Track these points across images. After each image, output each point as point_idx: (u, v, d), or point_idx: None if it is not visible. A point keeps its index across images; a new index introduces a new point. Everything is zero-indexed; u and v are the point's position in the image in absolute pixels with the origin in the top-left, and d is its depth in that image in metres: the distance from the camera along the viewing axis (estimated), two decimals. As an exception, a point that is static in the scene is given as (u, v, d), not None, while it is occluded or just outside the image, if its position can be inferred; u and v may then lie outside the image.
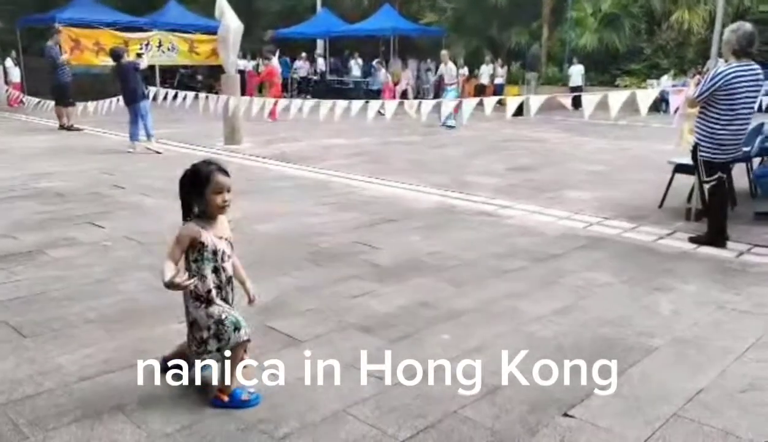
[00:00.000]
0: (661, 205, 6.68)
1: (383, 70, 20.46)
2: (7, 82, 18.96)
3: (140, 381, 2.93)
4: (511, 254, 5.06)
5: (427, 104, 7.76)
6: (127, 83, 10.48)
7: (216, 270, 2.75)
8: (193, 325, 2.75)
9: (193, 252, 2.70)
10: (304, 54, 25.32)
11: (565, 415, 2.71)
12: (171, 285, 2.58)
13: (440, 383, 2.97)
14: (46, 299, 3.92)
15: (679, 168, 6.50)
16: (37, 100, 13.28)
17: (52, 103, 13.31)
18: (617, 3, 21.88)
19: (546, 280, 4.47)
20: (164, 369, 2.98)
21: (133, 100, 10.44)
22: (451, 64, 16.72)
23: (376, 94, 20.27)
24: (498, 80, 21.36)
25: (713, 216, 5.48)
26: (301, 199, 7.02)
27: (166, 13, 22.76)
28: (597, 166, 9.48)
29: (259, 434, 2.55)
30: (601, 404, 2.81)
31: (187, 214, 2.75)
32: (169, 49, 21.69)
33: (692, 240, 5.48)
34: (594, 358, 3.24)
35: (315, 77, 25.12)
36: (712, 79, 5.09)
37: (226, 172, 2.74)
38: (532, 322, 3.72)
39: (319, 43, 26.31)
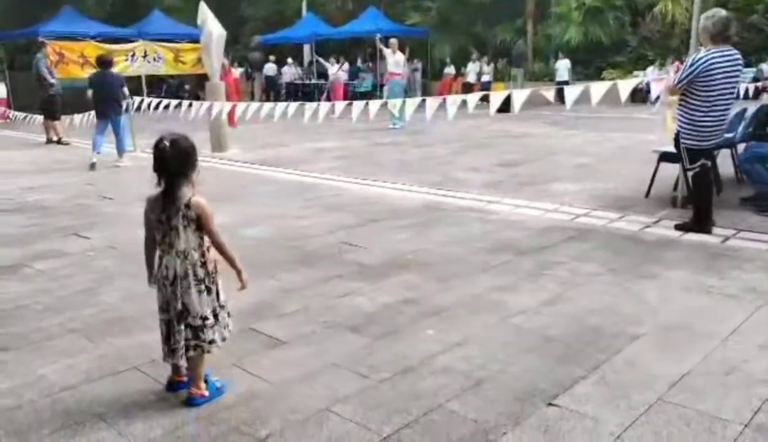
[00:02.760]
0: (647, 195, 6.69)
1: (336, 66, 20.12)
2: (-8, 99, 18.87)
3: (123, 389, 2.92)
4: (498, 249, 5.05)
5: (412, 103, 7.77)
6: (112, 94, 10.16)
7: None
8: (182, 314, 2.71)
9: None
10: (290, 59, 25.30)
11: (550, 404, 2.70)
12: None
13: (425, 377, 2.96)
14: (29, 312, 3.89)
15: (664, 157, 6.51)
16: (23, 115, 13.23)
17: (40, 117, 13.26)
18: (600, -4, 21.97)
19: (532, 272, 4.46)
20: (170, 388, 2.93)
21: (117, 113, 10.17)
22: (399, 55, 15.16)
23: (363, 96, 20.29)
24: (485, 78, 21.38)
25: (698, 203, 5.49)
26: (289, 202, 7.01)
27: (150, 22, 22.68)
28: (583, 158, 9.49)
29: (241, 435, 2.53)
30: (585, 392, 2.80)
31: (177, 190, 2.71)
32: (154, 60, 21.60)
33: (678, 227, 5.49)
34: (579, 347, 3.25)
35: (305, 81, 25.13)
36: (691, 66, 5.10)
37: None
38: (518, 314, 3.71)
39: (306, 47, 26.30)
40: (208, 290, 2.78)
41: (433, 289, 4.18)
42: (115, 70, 20.97)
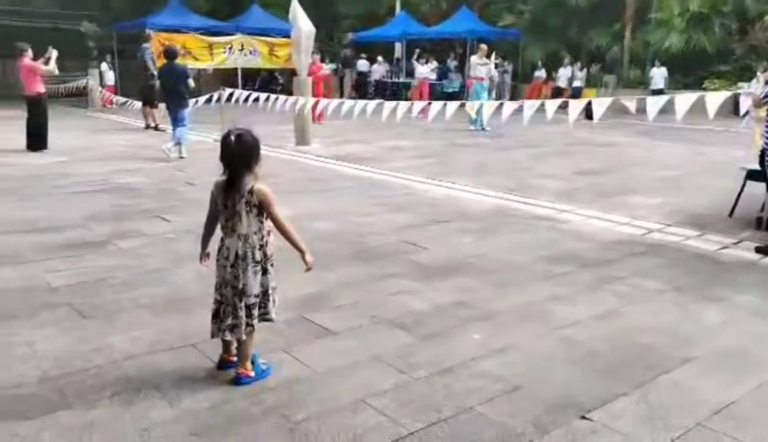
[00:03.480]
0: (731, 214, 6.39)
1: (426, 66, 20.01)
2: (102, 85, 20.21)
3: (179, 363, 3.14)
4: (561, 259, 4.99)
5: (490, 106, 7.76)
6: (176, 85, 10.08)
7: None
8: (242, 293, 2.91)
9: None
10: (380, 57, 25.61)
11: (583, 418, 2.69)
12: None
13: (462, 379, 3.01)
14: (107, 285, 4.22)
15: (752, 175, 6.19)
16: (124, 99, 14.12)
17: (139, 103, 14.14)
18: (707, 2, 20.88)
19: (591, 285, 4.39)
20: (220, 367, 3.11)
21: (181, 105, 10.07)
22: (486, 60, 15.07)
23: (450, 97, 20.24)
24: (576, 83, 20.86)
25: (781, 225, 5.22)
26: (359, 198, 7.17)
27: (248, 17, 23.60)
28: (668, 171, 9.15)
29: (277, 417, 2.68)
30: (622, 408, 2.77)
31: (241, 179, 2.90)
32: (251, 53, 22.54)
33: (759, 250, 5.23)
34: (626, 364, 3.20)
35: (393, 80, 25.37)
36: (781, 81, 4.85)
37: None
38: (568, 326, 3.68)
39: (397, 45, 26.52)
40: (264, 271, 2.97)
41: (488, 294, 4.20)
42: (213, 62, 21.98)
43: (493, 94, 15.51)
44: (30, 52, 10.53)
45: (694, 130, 14.19)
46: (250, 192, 2.90)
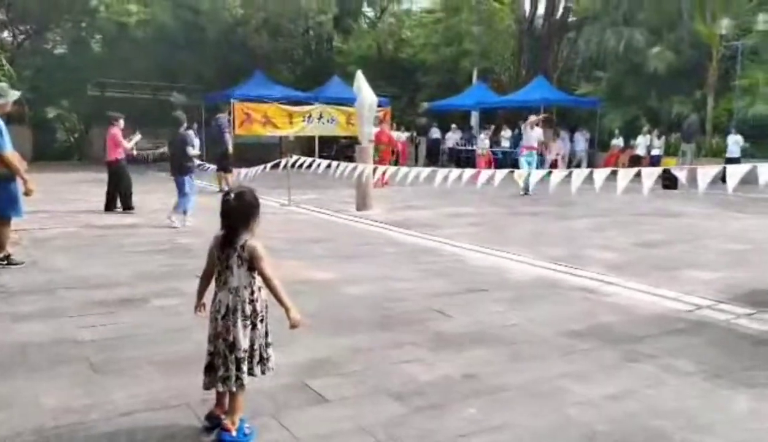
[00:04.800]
0: (795, 292, 5.94)
1: (487, 140, 20.35)
2: (188, 151, 21.49)
3: (168, 422, 3.21)
4: (590, 333, 4.78)
5: (537, 175, 7.69)
6: (176, 153, 10.02)
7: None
8: (233, 346, 3.02)
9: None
10: (453, 125, 26.01)
11: (556, 506, 2.52)
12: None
13: (442, 456, 2.91)
14: (129, 342, 4.40)
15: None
16: (198, 163, 14.93)
17: (213, 167, 14.94)
18: (796, 68, 20.01)
19: (614, 362, 4.17)
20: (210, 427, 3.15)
21: (182, 172, 9.89)
22: (537, 129, 15.62)
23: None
24: (655, 152, 20.31)
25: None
26: (402, 264, 7.17)
27: (328, 87, 24.66)
28: (737, 245, 8.63)
29: (243, 483, 2.67)
30: (605, 500, 2.58)
31: (237, 235, 3.05)
32: (328, 121, 23.46)
33: (815, 333, 4.82)
34: (624, 450, 2.99)
35: (466, 147, 25.58)
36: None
37: None
38: (575, 405, 3.49)
39: (473, 114, 26.87)
40: (253, 325, 3.07)
41: (501, 367, 4.06)
42: (293, 130, 22.94)
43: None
44: (121, 123, 11.40)
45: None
46: (242, 247, 3.02)
